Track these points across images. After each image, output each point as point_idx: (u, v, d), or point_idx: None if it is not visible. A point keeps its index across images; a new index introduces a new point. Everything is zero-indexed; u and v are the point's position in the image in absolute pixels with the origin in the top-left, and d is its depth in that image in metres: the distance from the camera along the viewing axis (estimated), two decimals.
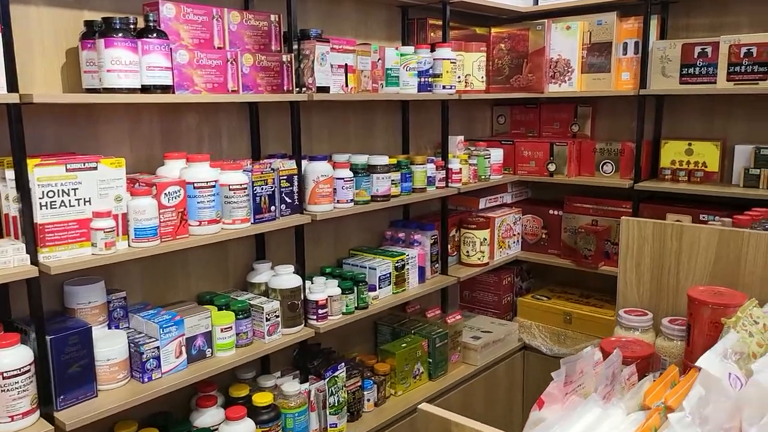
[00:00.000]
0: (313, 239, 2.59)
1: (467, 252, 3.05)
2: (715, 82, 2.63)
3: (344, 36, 2.61)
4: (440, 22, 2.78)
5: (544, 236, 3.31)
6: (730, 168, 2.79)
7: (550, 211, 3.27)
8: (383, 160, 2.48)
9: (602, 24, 2.95)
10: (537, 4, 3.23)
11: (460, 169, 2.87)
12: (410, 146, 3.00)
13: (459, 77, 2.83)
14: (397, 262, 2.62)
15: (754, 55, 2.49)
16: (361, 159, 2.48)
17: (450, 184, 2.85)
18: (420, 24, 2.87)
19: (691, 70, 2.72)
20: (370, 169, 2.45)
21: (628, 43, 2.92)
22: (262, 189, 2.04)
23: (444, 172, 2.82)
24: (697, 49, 2.69)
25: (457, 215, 3.13)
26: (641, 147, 2.89)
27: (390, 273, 2.60)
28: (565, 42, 3.04)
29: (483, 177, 3.03)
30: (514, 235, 3.31)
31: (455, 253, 3.08)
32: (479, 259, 3.04)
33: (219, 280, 2.29)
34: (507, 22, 3.24)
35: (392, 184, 2.53)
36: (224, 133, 2.25)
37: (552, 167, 3.12)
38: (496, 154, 3.10)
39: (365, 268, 2.56)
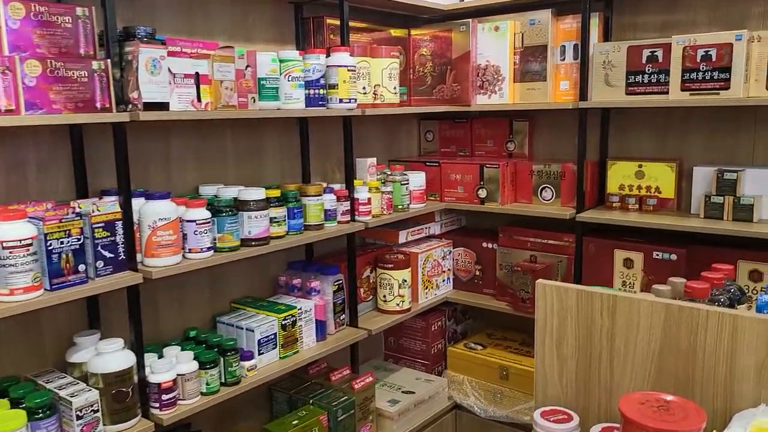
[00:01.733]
0: (172, 297, 2.06)
1: (384, 296, 2.55)
2: (667, 93, 2.17)
3: (214, 38, 2.09)
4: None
5: (477, 273, 2.82)
6: (689, 193, 2.33)
7: (484, 244, 2.78)
8: (257, 193, 1.96)
9: (535, 24, 2.48)
10: (462, 0, 2.76)
11: (369, 198, 2.36)
12: (312, 171, 2.49)
13: (364, 88, 2.33)
14: (284, 319, 2.10)
15: (714, 58, 2.04)
16: (228, 193, 1.96)
17: (356, 218, 2.34)
18: (317, 23, 2.37)
19: (639, 78, 2.26)
20: (240, 206, 1.93)
21: (567, 46, 2.45)
22: (62, 244, 1.50)
23: (348, 203, 2.31)
24: (646, 53, 2.23)
25: (373, 251, 2.63)
26: (584, 169, 2.43)
27: (275, 333, 2.08)
28: (494, 45, 2.57)
29: (400, 207, 2.53)
30: (444, 272, 2.81)
31: (371, 297, 2.58)
32: (398, 304, 2.54)
33: (29, 359, 1.74)
34: (429, 22, 2.76)
35: (274, 222, 2.01)
36: (31, 164, 1.71)
37: (483, 193, 2.64)
38: (417, 179, 2.60)
39: (242, 329, 2.04)
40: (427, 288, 2.72)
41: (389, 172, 2.55)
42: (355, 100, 2.23)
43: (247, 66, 1.92)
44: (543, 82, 2.48)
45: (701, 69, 2.06)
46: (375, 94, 2.41)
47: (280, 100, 2.04)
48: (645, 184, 2.43)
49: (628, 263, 2.33)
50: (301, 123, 2.43)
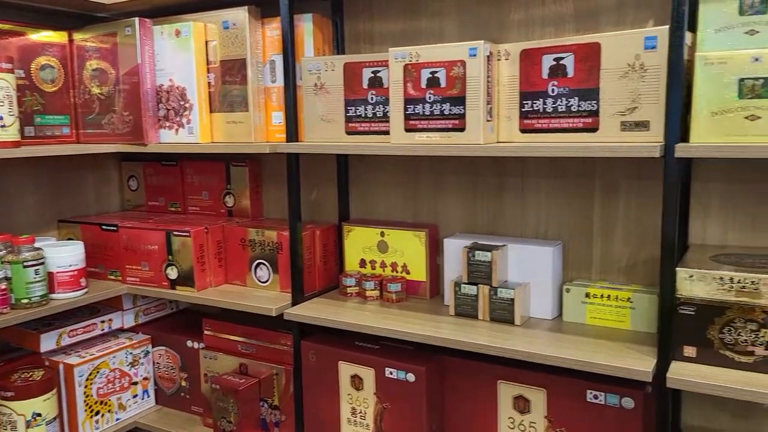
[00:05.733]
0: None
1: None
2: (388, 132, 1.46)
3: None
4: None
5: (184, 383, 1.97)
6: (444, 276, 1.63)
7: (189, 343, 1.95)
8: None
9: (230, 28, 1.70)
10: None
11: None
12: None
13: None
14: None
15: (443, 83, 1.34)
16: None
17: None
18: None
19: (360, 110, 1.54)
20: None
21: (278, 61, 1.70)
22: None
23: None
24: (368, 73, 1.51)
25: (10, 363, 1.72)
26: (299, 238, 1.66)
27: None
28: (176, 58, 1.76)
29: (25, 300, 1.64)
30: (133, 384, 1.94)
31: None
32: None
33: None
34: (97, 21, 1.90)
35: None
36: None
37: (172, 273, 1.81)
38: (65, 255, 1.72)
39: None
40: (98, 414, 1.83)
41: (11, 248, 1.66)
42: None
43: None
44: (244, 112, 1.70)
45: (427, 99, 1.36)
46: None
47: None
48: (390, 260, 1.70)
49: (356, 382, 1.58)
50: None
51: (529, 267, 1.49)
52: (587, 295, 1.43)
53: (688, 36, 1.21)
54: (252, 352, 1.79)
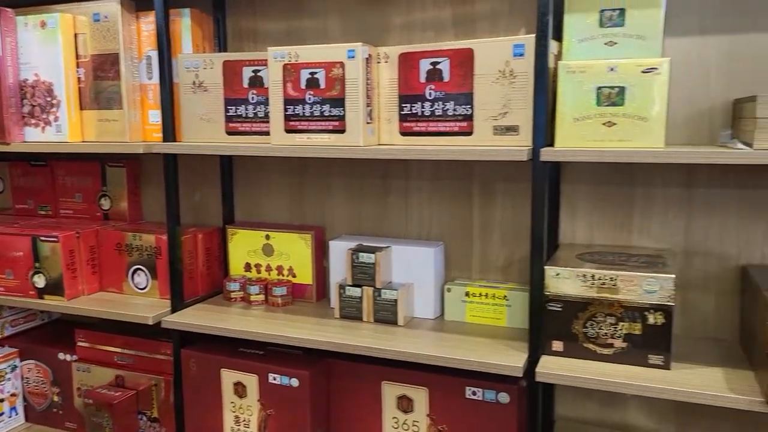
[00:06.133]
0: None
1: None
2: (269, 132, 1.43)
3: None
4: None
5: (56, 399, 1.84)
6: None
7: (61, 355, 1.82)
8: None
9: (102, 21, 1.61)
10: None
11: None
12: None
13: None
14: None
15: (322, 84, 1.33)
16: None
17: None
18: None
19: (240, 110, 1.50)
20: None
21: (154, 57, 1.62)
22: None
23: None
24: (248, 72, 1.48)
25: None
26: (179, 242, 1.59)
27: None
28: (42, 51, 1.64)
29: None
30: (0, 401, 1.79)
31: None
32: None
33: None
34: None
35: None
36: None
37: (39, 281, 1.68)
38: None
39: None
40: None
41: None
42: None
43: None
44: (118, 110, 1.61)
45: (307, 100, 1.34)
46: None
47: None
48: (276, 263, 1.67)
49: (239, 390, 1.54)
50: None
51: (412, 268, 1.51)
52: (467, 294, 1.47)
53: (555, 45, 1.27)
54: (129, 363, 1.70)
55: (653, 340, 1.18)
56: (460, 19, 1.49)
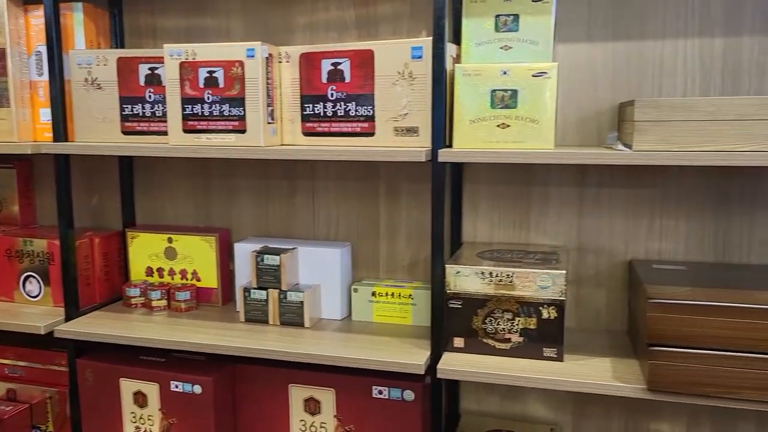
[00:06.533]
0: None
1: None
2: (167, 132, 1.39)
3: None
4: None
5: None
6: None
7: None
8: None
9: None
10: None
11: None
12: None
13: None
14: None
15: (221, 83, 1.31)
16: None
17: None
18: None
19: (137, 109, 1.44)
20: None
21: (44, 52, 1.54)
22: None
23: None
24: (144, 69, 1.42)
25: None
26: (71, 246, 1.51)
27: None
28: None
29: None
30: None
31: None
32: None
33: None
34: None
35: None
36: None
37: None
38: None
39: None
40: None
41: None
42: None
43: None
44: (6, 108, 1.52)
45: (206, 99, 1.31)
46: None
47: None
48: (179, 266, 1.62)
49: (140, 399, 1.48)
50: None
51: (319, 269, 1.50)
52: (373, 294, 1.48)
53: (454, 48, 1.30)
54: (21, 375, 1.61)
55: (547, 333, 1.23)
56: (364, 21, 1.50)
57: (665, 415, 1.44)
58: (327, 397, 1.42)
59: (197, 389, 1.42)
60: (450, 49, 1.26)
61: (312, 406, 1.43)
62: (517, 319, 1.24)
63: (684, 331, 1.08)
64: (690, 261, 1.37)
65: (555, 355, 1.23)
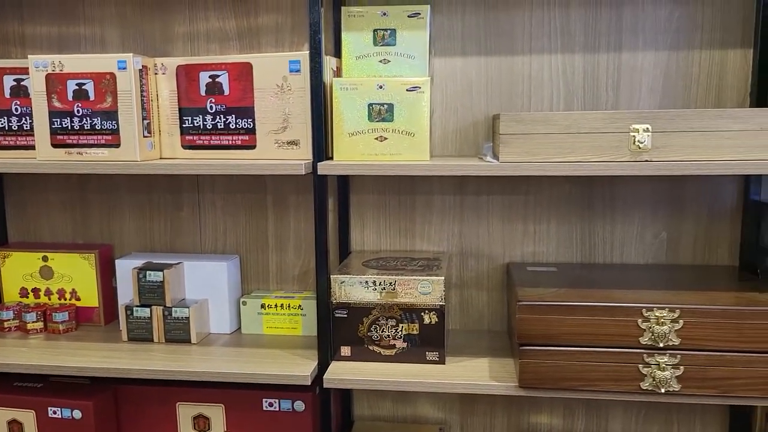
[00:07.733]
0: None
1: None
2: (35, 147, 1.33)
3: None
4: None
5: None
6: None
7: None
8: None
9: None
10: None
11: None
12: None
13: None
14: None
15: (92, 96, 1.26)
16: None
17: None
18: None
19: (3, 123, 1.37)
20: None
21: None
22: None
23: None
24: (10, 81, 1.35)
25: None
26: None
27: None
28: None
29: None
30: None
31: None
32: None
33: None
34: None
35: None
36: None
37: None
38: None
39: None
40: None
41: None
42: None
43: None
44: None
45: (76, 112, 1.26)
46: None
47: None
48: (56, 286, 1.54)
49: (15, 428, 1.40)
50: None
51: (206, 283, 1.47)
52: (262, 306, 1.48)
53: (335, 61, 1.32)
54: None
55: (429, 338, 1.28)
56: (245, 32, 1.49)
57: (543, 408, 1.52)
58: (216, 413, 1.39)
59: (77, 414, 1.36)
60: (330, 62, 1.28)
61: (201, 424, 1.41)
62: (401, 325, 1.28)
63: (550, 330, 1.15)
64: (560, 262, 1.46)
65: (437, 359, 1.28)
